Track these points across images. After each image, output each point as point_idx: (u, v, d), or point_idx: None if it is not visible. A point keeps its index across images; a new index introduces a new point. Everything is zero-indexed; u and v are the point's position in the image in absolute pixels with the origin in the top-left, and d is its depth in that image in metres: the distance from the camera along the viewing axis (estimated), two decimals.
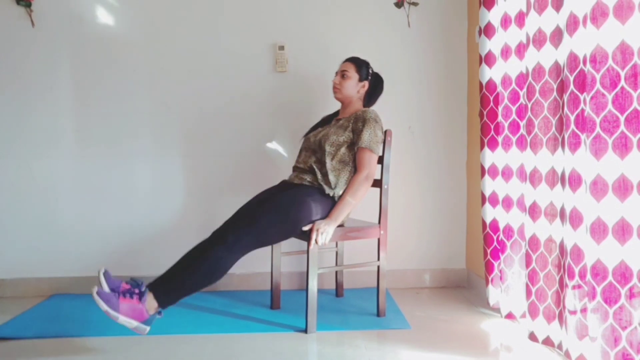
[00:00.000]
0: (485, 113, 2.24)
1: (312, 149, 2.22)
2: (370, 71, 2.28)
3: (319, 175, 2.13)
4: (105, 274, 1.78)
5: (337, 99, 2.28)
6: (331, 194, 2.11)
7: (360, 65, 2.26)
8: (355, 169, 2.15)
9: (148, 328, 1.77)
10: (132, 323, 1.73)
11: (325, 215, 2.08)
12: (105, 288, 1.74)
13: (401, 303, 2.41)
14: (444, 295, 2.56)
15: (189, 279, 1.84)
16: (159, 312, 1.82)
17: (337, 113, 2.37)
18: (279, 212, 1.99)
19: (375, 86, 2.29)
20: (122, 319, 1.72)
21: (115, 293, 1.75)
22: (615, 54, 1.39)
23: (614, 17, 1.38)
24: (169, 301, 1.83)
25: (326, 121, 2.37)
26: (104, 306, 1.70)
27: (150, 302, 1.79)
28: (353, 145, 2.16)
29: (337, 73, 2.28)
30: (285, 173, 2.51)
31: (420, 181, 2.71)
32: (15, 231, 2.60)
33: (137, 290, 1.78)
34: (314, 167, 2.16)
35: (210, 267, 1.85)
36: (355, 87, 2.25)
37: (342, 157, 2.15)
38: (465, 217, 2.73)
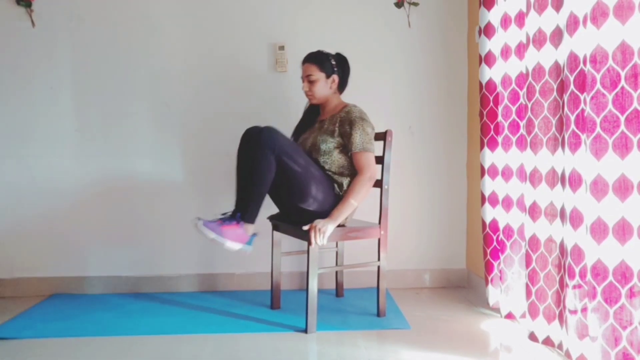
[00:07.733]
0: (485, 113, 2.24)
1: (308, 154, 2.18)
2: (333, 62, 2.18)
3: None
4: (199, 220, 1.90)
5: (314, 104, 2.25)
6: (340, 193, 2.12)
7: (321, 62, 2.16)
8: (353, 171, 2.15)
9: (251, 248, 1.97)
10: (237, 245, 1.91)
11: (325, 212, 2.06)
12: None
13: (401, 303, 2.41)
14: (444, 295, 2.56)
15: (255, 187, 1.95)
16: (255, 234, 2.00)
17: (317, 109, 2.31)
18: (310, 168, 2.04)
19: (344, 73, 2.22)
20: (229, 244, 1.89)
21: (217, 222, 1.90)
22: (616, 54, 1.39)
23: (614, 17, 1.38)
24: (253, 214, 1.97)
25: (309, 120, 2.31)
26: (211, 234, 1.84)
27: (246, 226, 1.96)
28: (345, 149, 2.13)
29: (302, 79, 2.19)
30: None
31: (420, 181, 2.71)
32: (15, 231, 2.60)
33: (233, 219, 1.93)
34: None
35: (262, 166, 1.93)
36: (326, 86, 2.18)
37: (339, 163, 2.13)
38: (465, 217, 2.73)
